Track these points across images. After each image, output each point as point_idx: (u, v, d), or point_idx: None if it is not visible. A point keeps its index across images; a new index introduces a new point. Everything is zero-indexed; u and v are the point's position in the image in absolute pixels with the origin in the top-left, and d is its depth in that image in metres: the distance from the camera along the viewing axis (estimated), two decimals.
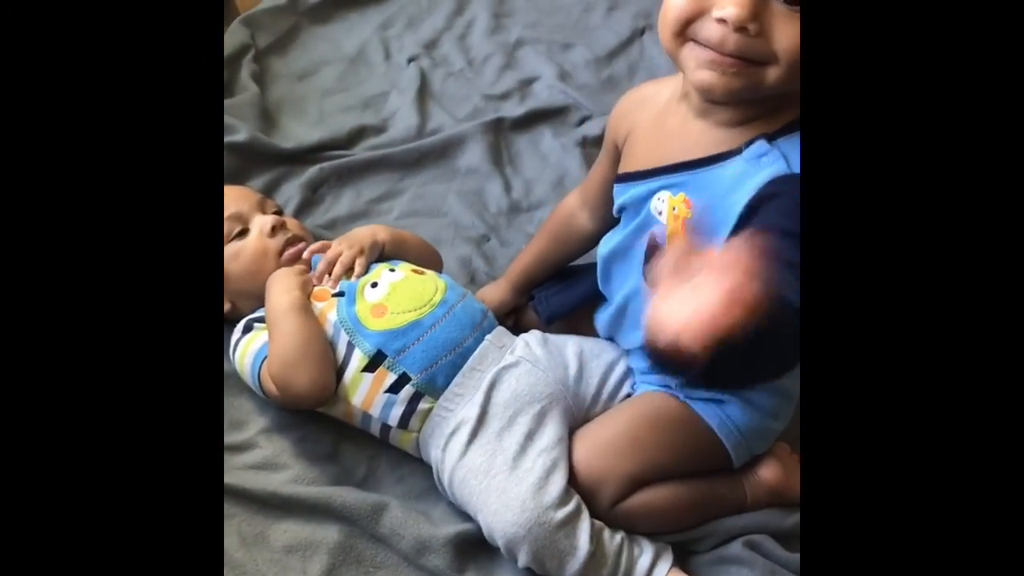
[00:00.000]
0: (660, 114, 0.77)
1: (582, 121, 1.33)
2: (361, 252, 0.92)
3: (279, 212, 1.00)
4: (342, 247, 0.92)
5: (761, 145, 0.67)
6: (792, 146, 0.66)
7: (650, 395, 0.83)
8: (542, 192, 1.22)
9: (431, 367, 0.83)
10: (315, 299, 0.88)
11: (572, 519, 0.76)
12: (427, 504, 0.84)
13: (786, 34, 0.60)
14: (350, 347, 0.85)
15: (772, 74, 0.63)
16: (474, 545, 0.80)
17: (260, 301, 0.90)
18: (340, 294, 0.88)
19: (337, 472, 0.87)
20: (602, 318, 0.89)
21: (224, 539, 0.79)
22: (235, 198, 0.97)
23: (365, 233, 0.95)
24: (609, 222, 0.86)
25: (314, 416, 0.89)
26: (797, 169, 0.64)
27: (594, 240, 0.90)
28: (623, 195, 0.80)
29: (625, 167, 0.81)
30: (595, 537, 0.77)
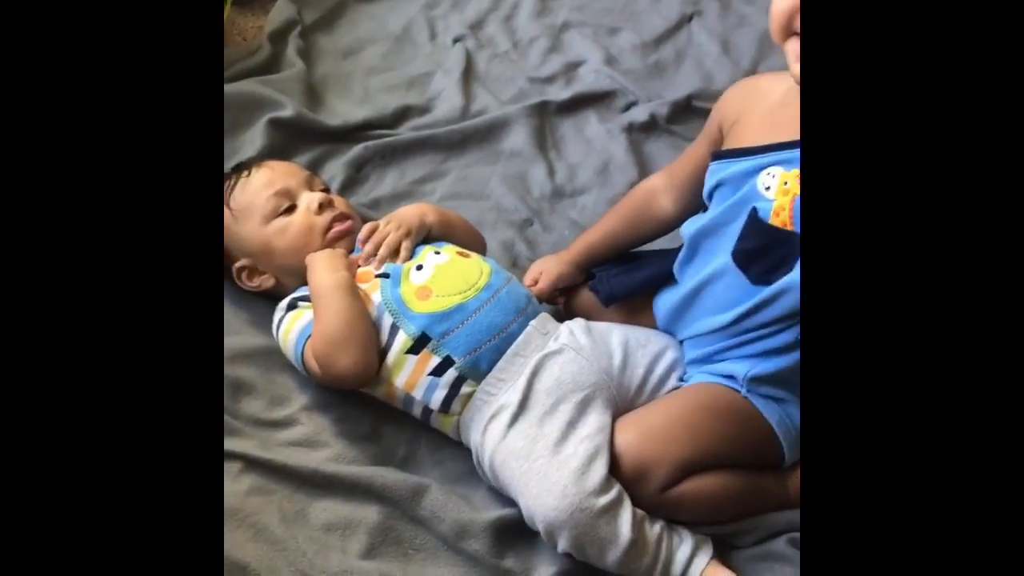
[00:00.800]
0: (777, 103, 0.78)
1: (628, 107, 1.32)
2: (408, 234, 0.91)
3: (326, 190, 1.00)
4: (389, 228, 0.92)
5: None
6: None
7: (708, 385, 0.82)
8: (586, 177, 1.20)
9: (475, 351, 0.83)
10: (359, 280, 0.88)
11: (614, 507, 0.75)
12: (467, 488, 0.84)
13: None
14: (394, 329, 0.84)
15: None
16: (514, 531, 0.79)
17: (304, 278, 0.90)
18: (385, 275, 0.88)
19: (377, 452, 0.87)
20: (665, 304, 0.88)
21: (264, 516, 0.79)
22: (283, 173, 0.96)
23: (413, 213, 0.95)
24: (691, 209, 0.85)
25: (355, 396, 0.89)
26: None
27: (672, 226, 0.90)
28: (722, 172, 0.79)
29: (732, 145, 0.80)
30: (637, 526, 0.76)
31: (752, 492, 0.81)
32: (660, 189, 0.93)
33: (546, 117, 1.29)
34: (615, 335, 0.87)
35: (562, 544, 0.76)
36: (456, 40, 1.42)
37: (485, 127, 1.25)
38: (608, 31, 1.47)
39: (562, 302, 0.99)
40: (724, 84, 1.37)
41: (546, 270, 0.96)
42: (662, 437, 0.78)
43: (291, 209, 0.94)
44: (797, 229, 0.73)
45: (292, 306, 0.90)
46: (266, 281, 0.95)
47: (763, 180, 0.75)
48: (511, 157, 1.23)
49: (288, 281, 0.93)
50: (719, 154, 0.81)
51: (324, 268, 0.87)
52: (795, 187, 0.73)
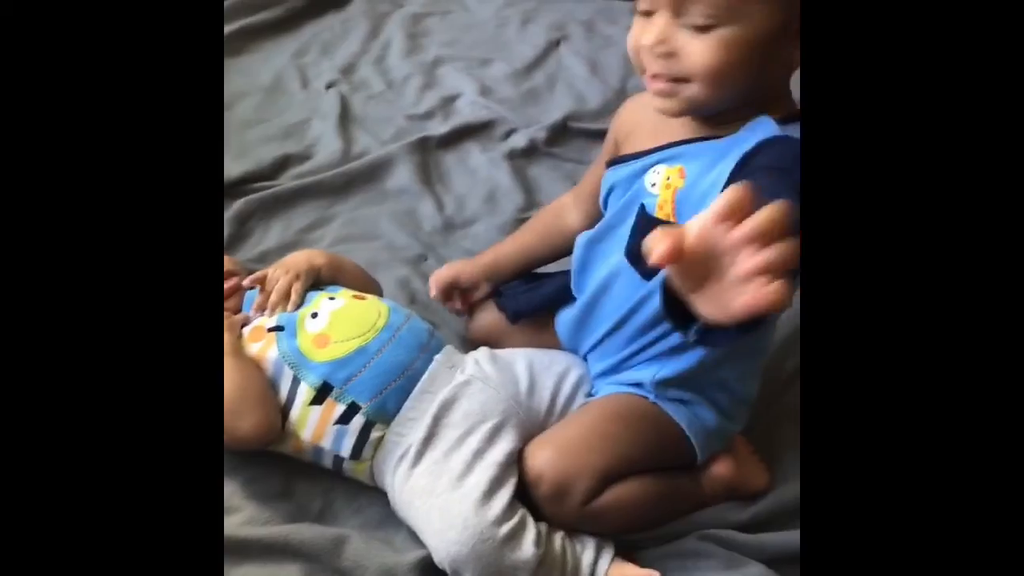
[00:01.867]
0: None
1: (508, 134, 1.34)
2: (297, 278, 0.90)
3: None
4: (278, 273, 0.90)
5: (764, 120, 0.71)
6: (793, 131, 0.69)
7: (616, 395, 0.83)
8: (475, 207, 1.21)
9: (380, 393, 0.81)
10: (250, 340, 0.85)
11: (517, 532, 0.75)
12: (388, 532, 0.82)
13: (696, 53, 0.68)
14: (295, 381, 0.82)
15: (695, 89, 0.70)
16: (440, 572, 0.78)
17: None
18: (279, 328, 0.86)
19: (292, 509, 0.84)
20: (565, 320, 0.89)
21: None
22: None
23: (300, 258, 0.93)
24: (597, 223, 0.87)
25: (262, 454, 0.86)
26: (792, 134, 0.67)
27: None
28: (614, 177, 0.81)
29: (622, 152, 0.83)
30: (542, 542, 0.76)
31: (672, 493, 0.82)
32: (568, 205, 0.96)
33: (428, 152, 1.29)
34: (519, 361, 0.87)
35: None
36: (329, 85, 1.42)
37: (368, 168, 1.25)
38: (480, 63, 1.50)
39: (459, 306, 0.98)
40: (597, 104, 1.42)
41: (458, 269, 0.96)
42: (579, 450, 0.78)
43: None
44: (680, 222, 0.74)
45: None
46: None
47: (650, 178, 0.77)
48: (398, 195, 1.23)
49: None
50: (611, 161, 0.84)
51: None
52: (676, 181, 0.74)
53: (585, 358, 0.89)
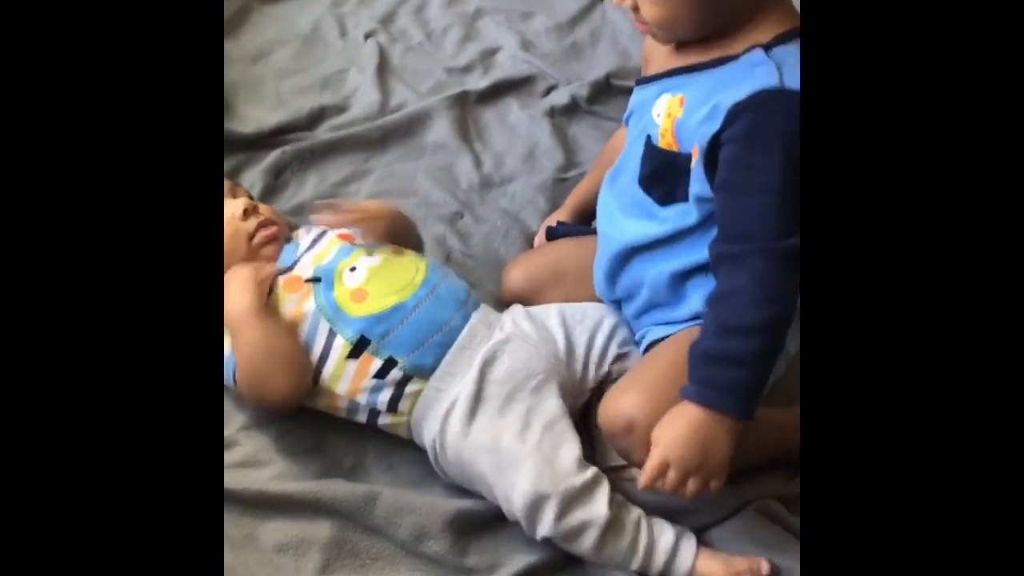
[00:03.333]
0: None
1: (548, 91, 1.31)
2: (377, 217, 0.90)
3: (251, 198, 0.96)
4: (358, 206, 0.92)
5: (757, 53, 0.73)
6: (787, 55, 0.72)
7: (686, 332, 0.78)
8: (513, 165, 1.19)
9: (418, 348, 0.81)
10: (287, 290, 0.85)
11: (591, 487, 0.75)
12: (421, 489, 0.82)
13: (645, 7, 0.75)
14: (331, 335, 0.81)
15: (659, 33, 0.78)
16: (475, 527, 0.78)
17: None
18: (316, 280, 0.85)
19: (323, 465, 0.84)
20: (599, 263, 0.87)
21: None
22: None
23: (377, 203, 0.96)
24: None
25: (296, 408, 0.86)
26: (788, 83, 0.70)
27: None
28: (635, 99, 0.84)
29: (644, 75, 0.86)
30: (615, 505, 0.75)
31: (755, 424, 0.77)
32: (624, 133, 0.94)
33: (467, 107, 1.26)
34: (552, 317, 0.86)
35: (542, 529, 0.74)
36: (368, 35, 1.39)
37: (406, 122, 1.23)
38: (521, 16, 1.46)
39: None
40: (641, 60, 1.37)
41: (543, 225, 1.04)
42: (668, 389, 0.73)
43: None
44: (680, 150, 0.77)
45: None
46: None
47: (656, 108, 0.79)
48: (435, 150, 1.20)
49: None
50: (638, 81, 0.86)
51: (232, 293, 0.82)
52: (676, 111, 0.77)
53: (619, 305, 0.87)
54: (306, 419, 0.86)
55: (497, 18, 1.44)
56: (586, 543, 0.74)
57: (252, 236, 0.89)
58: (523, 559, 0.76)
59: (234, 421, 0.86)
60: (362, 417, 0.84)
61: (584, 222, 1.03)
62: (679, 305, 0.81)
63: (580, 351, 0.85)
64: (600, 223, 0.89)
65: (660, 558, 0.75)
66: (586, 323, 0.86)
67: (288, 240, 0.92)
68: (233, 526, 0.77)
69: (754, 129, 0.70)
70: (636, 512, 0.77)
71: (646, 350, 0.83)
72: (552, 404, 0.79)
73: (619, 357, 0.85)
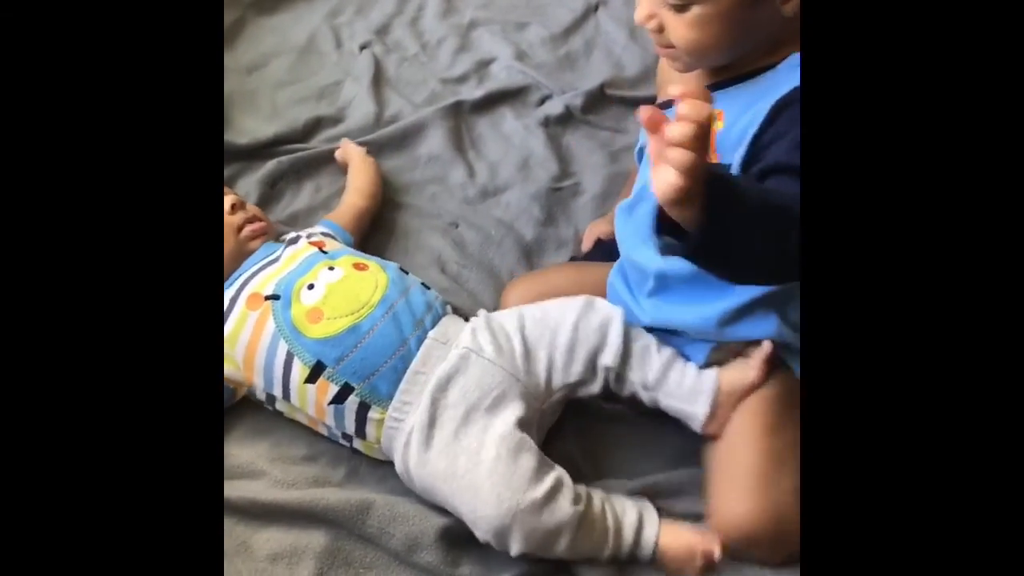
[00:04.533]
0: None
1: (543, 100, 1.31)
2: None
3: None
4: None
5: (795, 57, 0.73)
6: None
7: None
8: (508, 175, 1.19)
9: (372, 375, 0.80)
10: (248, 307, 0.84)
11: (553, 494, 0.74)
12: (413, 500, 0.81)
13: (676, 30, 0.73)
14: (290, 356, 0.81)
15: (683, 56, 0.76)
16: (467, 537, 0.78)
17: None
18: (275, 297, 0.84)
19: (316, 474, 0.84)
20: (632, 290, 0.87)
21: None
22: None
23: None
24: None
25: (289, 419, 0.87)
26: None
27: None
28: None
29: (657, 101, 0.86)
30: (580, 499, 0.75)
31: None
32: None
33: (461, 117, 1.27)
34: (509, 322, 0.84)
35: (515, 548, 0.74)
36: (363, 47, 1.40)
37: (401, 133, 1.23)
38: (516, 26, 1.47)
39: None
40: (635, 70, 1.38)
41: (589, 227, 1.07)
42: (772, 488, 0.74)
43: None
44: (722, 160, 0.76)
45: None
46: None
47: None
48: (430, 161, 1.21)
49: None
50: (660, 106, 0.84)
51: None
52: (716, 124, 0.76)
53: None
54: (300, 428, 0.87)
55: (492, 29, 1.45)
56: (560, 547, 0.74)
57: (239, 229, 0.91)
58: (514, 569, 0.76)
59: (229, 431, 0.86)
60: (337, 437, 0.84)
61: None
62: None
63: (541, 354, 0.82)
64: (625, 252, 0.87)
65: (628, 535, 0.76)
66: (547, 323, 0.83)
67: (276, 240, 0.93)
68: (227, 535, 0.78)
69: (797, 121, 0.68)
70: (597, 496, 0.77)
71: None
72: (508, 416, 0.77)
73: (596, 348, 0.82)
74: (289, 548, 0.78)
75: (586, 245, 1.06)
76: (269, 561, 0.77)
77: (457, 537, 0.78)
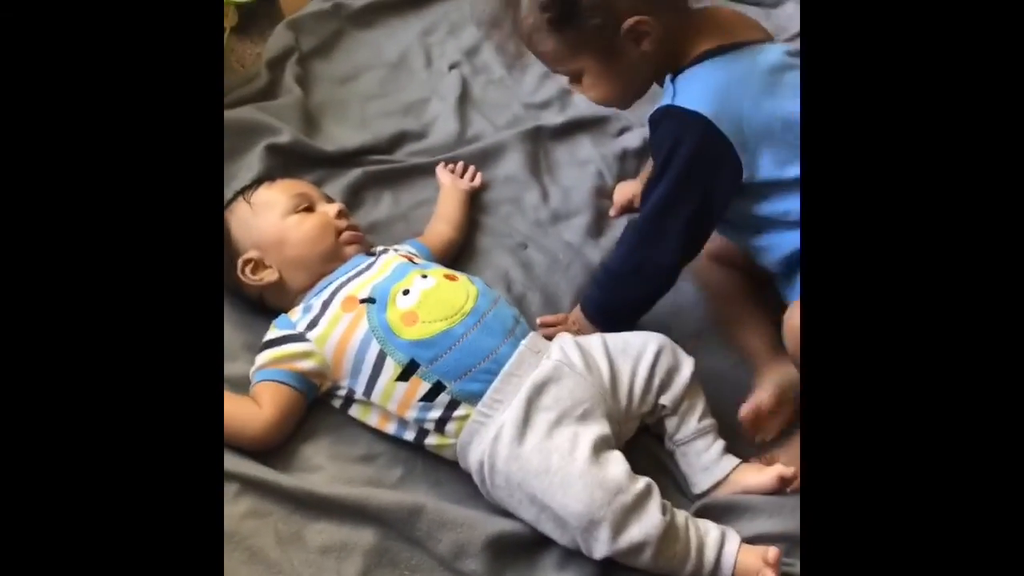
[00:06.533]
0: None
1: (621, 132, 1.33)
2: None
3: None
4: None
5: (667, 84, 0.89)
6: (685, 80, 0.87)
7: None
8: (580, 200, 1.21)
9: (465, 374, 0.84)
10: (343, 309, 0.89)
11: (643, 499, 0.76)
12: (464, 508, 0.84)
13: (584, 92, 0.94)
14: (381, 355, 0.85)
15: (607, 105, 0.96)
16: (513, 549, 0.80)
17: (310, 273, 0.95)
18: (371, 300, 0.89)
19: (372, 475, 0.87)
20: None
21: (260, 538, 0.79)
22: (302, 185, 1.05)
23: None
24: None
25: (350, 418, 0.90)
26: (680, 102, 0.85)
27: None
28: None
29: None
30: (668, 511, 0.77)
31: None
32: None
33: (540, 142, 1.30)
34: (595, 347, 0.89)
35: (599, 549, 0.76)
36: (452, 67, 1.43)
37: (480, 153, 1.26)
38: None
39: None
40: None
41: (620, 186, 1.20)
42: None
43: (309, 209, 1.00)
44: None
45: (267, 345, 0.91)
46: (269, 275, 0.96)
47: None
48: (505, 182, 1.24)
49: (291, 276, 0.96)
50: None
51: None
52: None
53: None
54: (361, 430, 0.90)
55: None
56: (646, 556, 0.76)
57: (339, 233, 0.98)
58: None
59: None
60: (410, 436, 0.87)
61: None
62: None
63: (624, 379, 0.87)
64: None
65: (710, 554, 0.77)
66: (629, 352, 0.88)
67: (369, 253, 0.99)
68: (284, 523, 0.81)
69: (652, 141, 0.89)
70: (681, 514, 0.79)
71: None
72: (599, 428, 0.81)
73: (663, 386, 0.88)
74: (340, 543, 0.81)
75: (615, 208, 1.18)
76: (320, 553, 0.80)
77: (503, 548, 0.80)
